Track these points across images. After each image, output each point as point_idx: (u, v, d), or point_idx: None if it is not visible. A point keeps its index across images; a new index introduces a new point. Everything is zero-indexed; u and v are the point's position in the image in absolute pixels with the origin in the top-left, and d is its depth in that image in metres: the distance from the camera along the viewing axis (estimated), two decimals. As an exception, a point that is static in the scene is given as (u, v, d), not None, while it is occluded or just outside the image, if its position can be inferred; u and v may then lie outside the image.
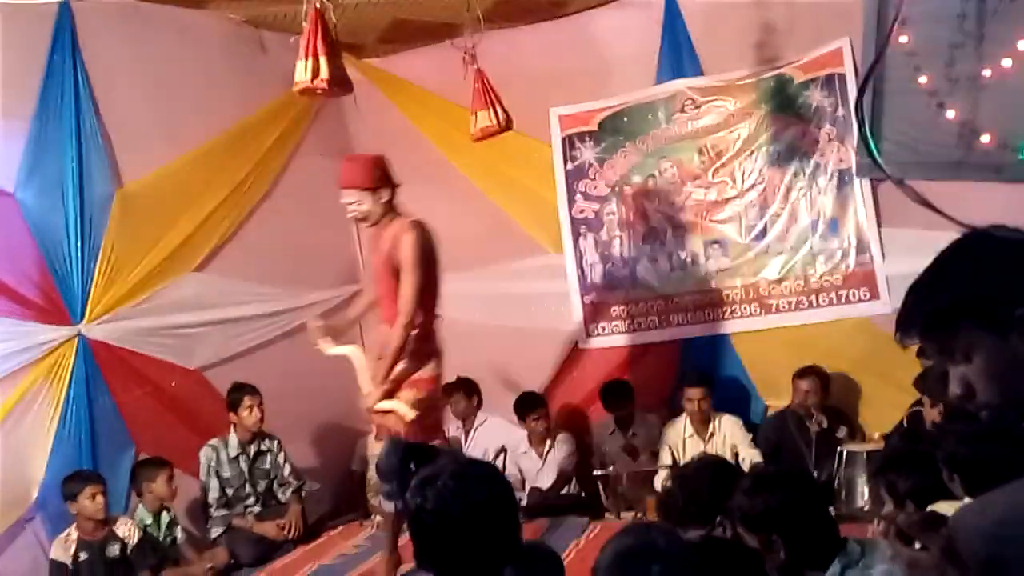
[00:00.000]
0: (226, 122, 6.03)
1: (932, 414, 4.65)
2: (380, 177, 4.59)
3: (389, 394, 4.45)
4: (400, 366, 4.50)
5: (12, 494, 4.96)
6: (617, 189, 6.29)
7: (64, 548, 4.87)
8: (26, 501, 5.02)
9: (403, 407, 4.36)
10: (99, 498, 4.88)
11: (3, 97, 4.94)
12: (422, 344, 4.59)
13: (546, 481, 6.07)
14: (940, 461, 2.80)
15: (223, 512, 5.63)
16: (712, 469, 3.11)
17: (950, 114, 1.38)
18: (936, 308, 1.42)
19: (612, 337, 6.38)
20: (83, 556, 4.87)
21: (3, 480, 4.88)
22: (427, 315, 4.61)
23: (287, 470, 5.88)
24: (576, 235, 6.41)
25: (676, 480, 3.36)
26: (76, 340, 5.19)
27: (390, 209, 4.61)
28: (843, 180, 5.68)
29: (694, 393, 5.64)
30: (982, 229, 1.46)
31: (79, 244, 5.19)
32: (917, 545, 1.58)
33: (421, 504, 1.93)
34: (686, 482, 3.15)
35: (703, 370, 5.85)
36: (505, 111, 5.35)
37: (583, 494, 5.99)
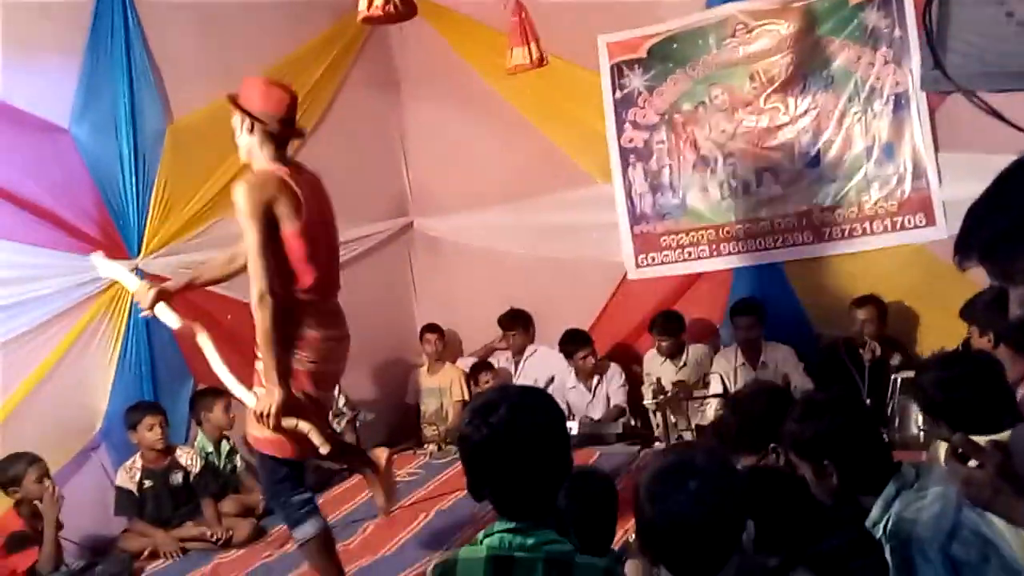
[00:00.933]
0: (274, 55, 6.03)
1: (981, 343, 4.58)
2: (264, 108, 3.62)
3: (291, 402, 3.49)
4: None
5: (77, 423, 5.11)
6: (667, 117, 6.20)
7: (129, 476, 5.02)
8: (91, 430, 5.17)
9: (317, 436, 3.48)
10: (157, 429, 5.01)
11: (54, 33, 4.98)
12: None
13: (596, 413, 6.12)
14: (921, 409, 2.77)
15: (280, 441, 5.74)
16: (766, 395, 3.08)
17: (1020, 22, 1.34)
18: (996, 230, 1.39)
19: (662, 267, 6.34)
20: (147, 483, 5.02)
21: (68, 410, 5.03)
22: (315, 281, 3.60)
23: (341, 401, 5.99)
24: (625, 164, 6.35)
25: (729, 406, 3.35)
26: (134, 273, 5.27)
27: (267, 156, 3.63)
28: (899, 104, 5.55)
29: (742, 321, 5.62)
30: None
31: (134, 179, 5.26)
32: (973, 463, 1.57)
33: (486, 434, 1.95)
34: (739, 408, 3.13)
35: (753, 298, 5.81)
36: (540, 48, 5.31)
37: (633, 423, 6.03)
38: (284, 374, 3.50)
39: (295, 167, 3.72)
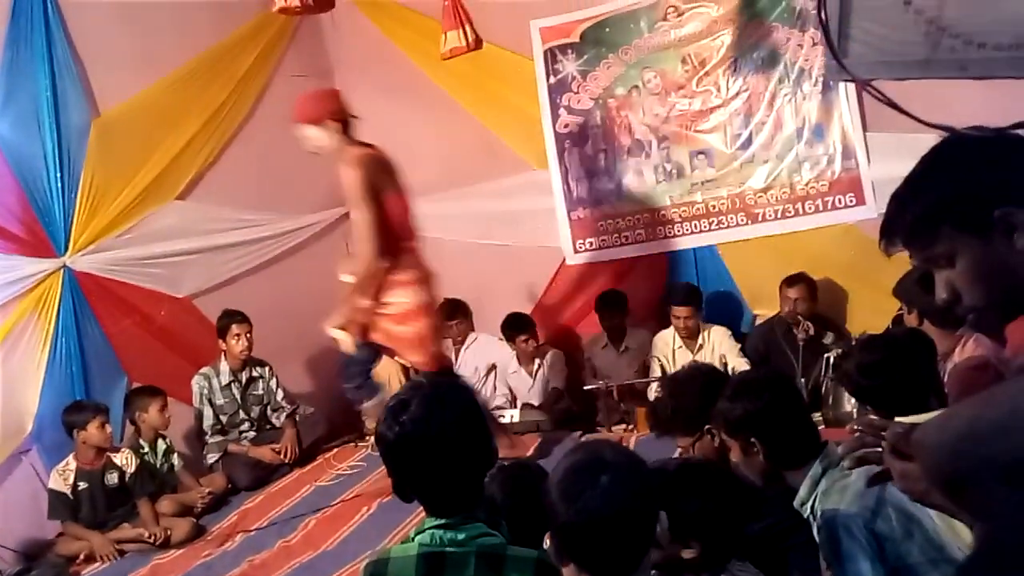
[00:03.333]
0: (202, 45, 5.93)
1: (911, 320, 4.68)
2: (329, 110, 4.63)
3: (356, 325, 4.69)
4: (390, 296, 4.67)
5: (7, 427, 5.01)
6: (601, 102, 6.20)
7: (62, 478, 4.92)
8: (21, 433, 5.07)
9: (342, 335, 4.70)
10: (107, 427, 4.93)
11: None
12: (402, 272, 4.68)
13: (537, 398, 6.14)
14: (849, 394, 2.82)
15: (218, 438, 5.69)
16: (701, 377, 3.12)
17: (916, 11, 1.36)
18: (915, 216, 1.41)
19: (599, 252, 6.36)
20: (82, 485, 4.93)
21: (-3, 413, 4.92)
22: (401, 242, 4.68)
23: (280, 395, 5.93)
24: (561, 150, 6.34)
25: (666, 388, 3.37)
26: (62, 272, 5.18)
27: (345, 142, 4.61)
28: (828, 85, 5.59)
29: (680, 311, 5.65)
30: (959, 132, 1.44)
31: (59, 175, 5.15)
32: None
33: (398, 433, 1.94)
34: (675, 390, 3.16)
35: (689, 285, 5.85)
36: (475, 31, 5.29)
37: (575, 409, 6.05)
38: None
39: (365, 143, 4.67)
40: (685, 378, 3.24)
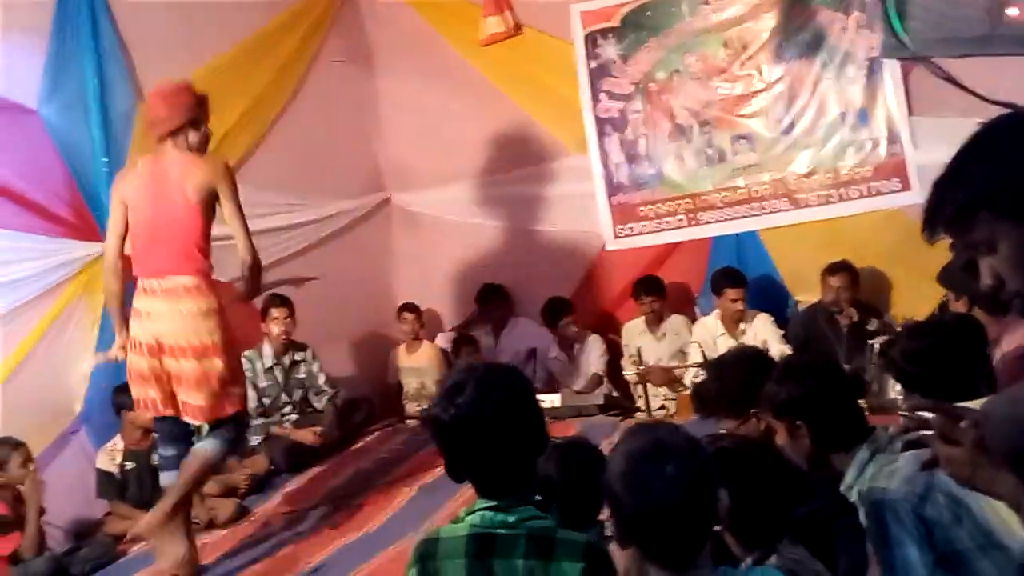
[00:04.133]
0: (244, 31, 5.96)
1: (958, 306, 4.63)
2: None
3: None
4: None
5: (56, 407, 5.09)
6: (641, 86, 6.18)
7: (110, 458, 5.01)
8: (70, 414, 5.14)
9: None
10: None
11: (20, 12, 4.90)
12: None
13: (578, 383, 6.15)
14: (895, 380, 2.79)
15: (261, 421, 5.75)
16: (748, 360, 3.10)
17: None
18: (957, 203, 1.40)
19: (639, 238, 6.34)
20: (129, 465, 5.01)
21: (47, 394, 5.00)
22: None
23: (321, 379, 5.98)
24: (601, 135, 6.33)
25: (711, 370, 3.36)
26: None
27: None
28: (873, 69, 5.55)
29: (733, 294, 5.61)
30: (1000, 116, 1.43)
31: (105, 160, 5.19)
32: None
33: (453, 415, 1.95)
34: (721, 372, 3.15)
35: (736, 269, 5.82)
36: (515, 17, 5.26)
37: (614, 394, 6.06)
38: None
39: None
40: (732, 361, 3.22)
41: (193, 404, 4.00)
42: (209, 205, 4.00)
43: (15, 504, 4.51)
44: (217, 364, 3.96)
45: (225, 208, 4.02)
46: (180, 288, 3.95)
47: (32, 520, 4.46)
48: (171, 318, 3.93)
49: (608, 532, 2.17)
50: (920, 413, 1.64)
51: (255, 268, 4.10)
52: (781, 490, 2.25)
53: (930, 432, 1.59)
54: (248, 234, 4.06)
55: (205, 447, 4.07)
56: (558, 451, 2.58)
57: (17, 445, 4.54)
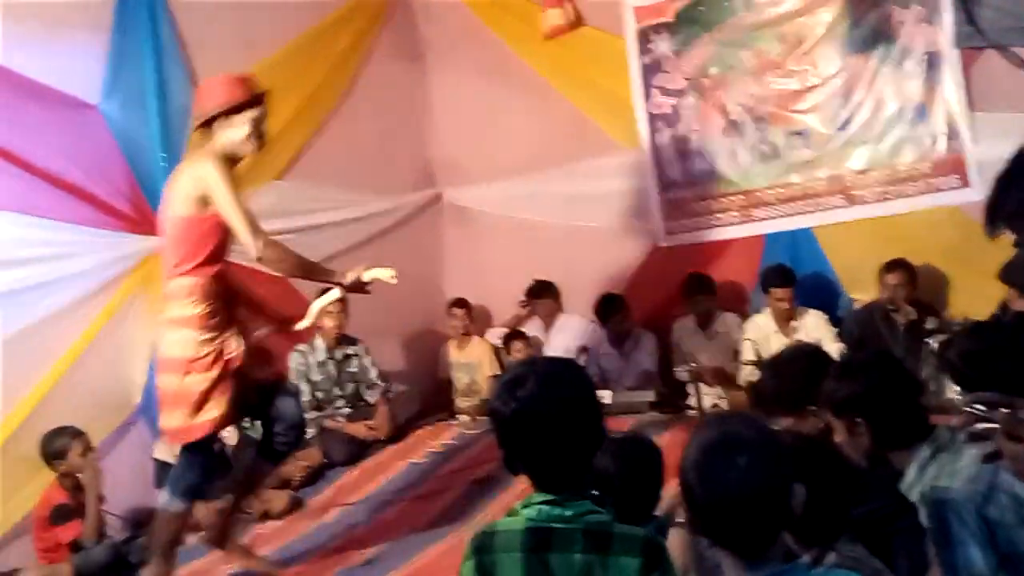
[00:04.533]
0: (298, 27, 6.03)
1: (1020, 305, 4.53)
2: None
3: None
4: None
5: (115, 399, 5.19)
6: (695, 82, 6.13)
7: (168, 448, 5.07)
8: (129, 405, 5.24)
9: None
10: None
11: (82, 9, 5.00)
12: None
13: (628, 380, 6.12)
14: (953, 382, 2.73)
15: (314, 414, 5.80)
16: (805, 357, 3.06)
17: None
18: (1020, 199, 1.38)
19: (692, 234, 6.31)
20: (185, 456, 5.08)
21: (107, 384, 5.10)
22: None
23: (374, 373, 6.03)
24: (653, 130, 6.29)
25: (768, 368, 3.32)
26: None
27: None
28: (932, 63, 5.44)
29: (780, 293, 5.56)
30: None
31: (164, 155, 5.28)
32: None
33: (513, 408, 1.95)
34: (778, 369, 3.11)
35: (786, 266, 5.76)
36: (575, 8, 5.23)
37: (665, 392, 6.02)
38: None
39: None
40: (789, 358, 3.19)
41: (163, 425, 3.81)
42: (198, 204, 3.65)
43: (75, 492, 4.61)
44: (178, 381, 3.66)
45: (216, 203, 3.62)
46: (168, 294, 3.75)
47: (92, 508, 4.56)
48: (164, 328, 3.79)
49: (679, 519, 2.17)
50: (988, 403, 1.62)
51: (265, 261, 3.67)
52: (839, 488, 2.22)
53: (994, 426, 1.57)
54: (248, 225, 3.60)
55: (160, 502, 3.88)
56: (615, 446, 2.57)
57: (77, 434, 4.63)
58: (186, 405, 3.66)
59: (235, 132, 3.74)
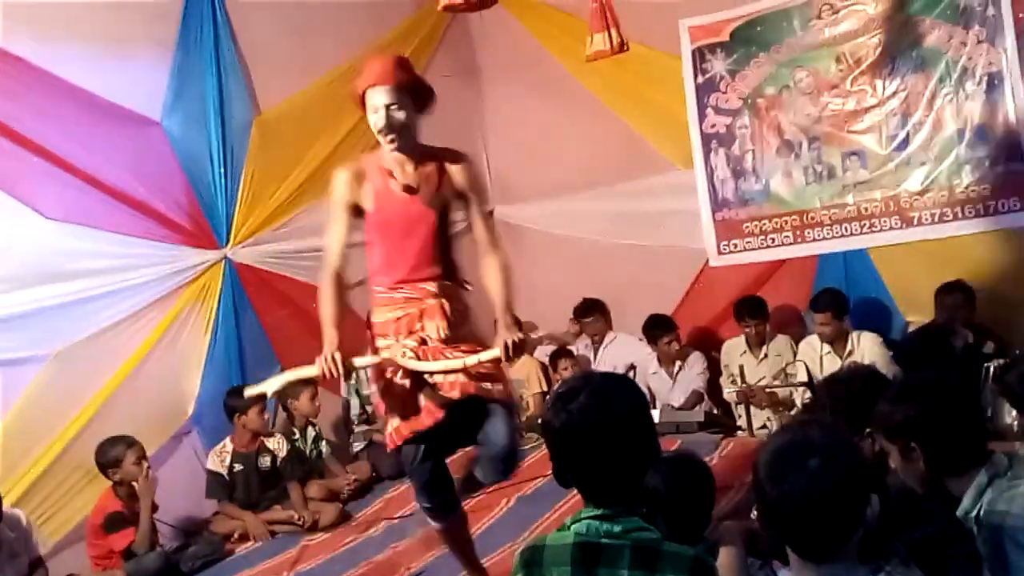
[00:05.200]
0: (358, 46, 6.11)
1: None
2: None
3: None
4: None
5: (170, 409, 5.28)
6: (750, 101, 6.10)
7: (220, 459, 5.17)
8: (183, 416, 5.34)
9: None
10: (265, 413, 5.17)
11: (147, 29, 5.13)
12: None
13: (677, 399, 6.08)
14: (1012, 407, 2.66)
15: (364, 428, 5.85)
16: (862, 378, 3.01)
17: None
18: None
19: (744, 254, 6.26)
20: (237, 467, 5.16)
21: (162, 395, 5.19)
22: None
23: (424, 388, 6.03)
24: (707, 150, 6.27)
25: (825, 388, 3.28)
26: (223, 263, 5.43)
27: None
28: (992, 84, 5.37)
29: (819, 318, 5.51)
30: None
31: (222, 171, 5.41)
32: None
33: (565, 420, 1.96)
34: (834, 390, 3.07)
35: (830, 290, 5.67)
36: (620, 34, 5.24)
37: (715, 411, 5.98)
38: None
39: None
40: (844, 379, 3.15)
41: None
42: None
43: (129, 501, 4.70)
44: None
45: None
46: None
47: (145, 516, 4.64)
48: None
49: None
50: None
51: None
52: (886, 508, 2.19)
53: None
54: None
55: None
56: (666, 464, 2.57)
57: (131, 443, 4.72)
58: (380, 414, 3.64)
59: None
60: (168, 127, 5.23)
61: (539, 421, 2.13)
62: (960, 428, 2.52)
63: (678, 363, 6.18)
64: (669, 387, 6.17)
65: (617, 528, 1.93)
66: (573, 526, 1.98)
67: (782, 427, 1.94)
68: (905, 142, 5.66)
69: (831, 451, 1.78)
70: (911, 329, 5.70)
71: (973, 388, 4.91)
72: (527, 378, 6.54)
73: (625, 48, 5.29)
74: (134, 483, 4.68)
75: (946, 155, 5.54)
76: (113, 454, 4.68)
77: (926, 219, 5.63)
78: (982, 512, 2.35)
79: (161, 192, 5.17)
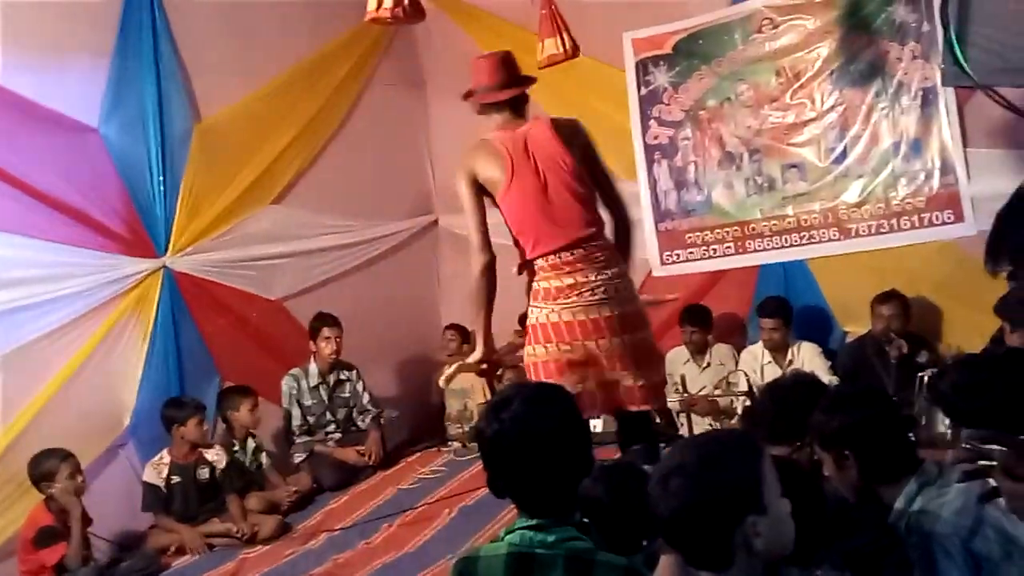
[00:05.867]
0: (300, 55, 6.09)
1: (1013, 339, 4.52)
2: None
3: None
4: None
5: (105, 420, 5.17)
6: (692, 114, 6.16)
7: (156, 471, 5.07)
8: (119, 427, 5.22)
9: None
10: (204, 424, 5.09)
11: (84, 34, 5.04)
12: None
13: (622, 409, 6.09)
14: (944, 415, 2.70)
15: (305, 439, 5.79)
16: (804, 386, 3.04)
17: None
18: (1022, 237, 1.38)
19: (687, 264, 6.31)
20: (175, 479, 5.07)
21: (97, 406, 5.08)
22: None
23: (366, 398, 6.02)
24: (650, 161, 6.32)
25: (767, 394, 3.29)
26: (161, 272, 5.34)
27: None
28: (927, 99, 5.49)
29: (768, 323, 5.59)
30: None
31: (161, 178, 5.32)
32: None
33: (497, 430, 1.95)
34: (776, 396, 3.08)
35: (778, 298, 5.77)
36: (572, 39, 5.26)
37: (658, 421, 5.99)
38: None
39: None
40: (786, 386, 3.17)
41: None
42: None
43: (61, 514, 4.57)
44: None
45: None
46: None
47: (76, 530, 4.52)
48: None
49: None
50: (985, 440, 1.61)
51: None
52: (816, 516, 2.20)
53: (991, 463, 1.56)
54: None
55: None
56: (606, 473, 2.56)
57: (66, 456, 4.60)
58: None
59: None
60: (105, 134, 5.12)
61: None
62: (891, 437, 2.56)
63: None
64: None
65: (551, 538, 1.93)
66: (507, 537, 1.98)
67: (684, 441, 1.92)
68: (843, 155, 5.75)
69: (691, 471, 1.73)
70: (848, 339, 5.79)
71: (907, 396, 5.02)
72: (472, 387, 6.52)
73: (577, 53, 5.31)
74: (65, 497, 4.57)
75: (882, 168, 5.64)
76: (46, 467, 4.56)
77: (863, 231, 5.72)
78: (912, 519, 2.39)
79: (98, 200, 5.06)
